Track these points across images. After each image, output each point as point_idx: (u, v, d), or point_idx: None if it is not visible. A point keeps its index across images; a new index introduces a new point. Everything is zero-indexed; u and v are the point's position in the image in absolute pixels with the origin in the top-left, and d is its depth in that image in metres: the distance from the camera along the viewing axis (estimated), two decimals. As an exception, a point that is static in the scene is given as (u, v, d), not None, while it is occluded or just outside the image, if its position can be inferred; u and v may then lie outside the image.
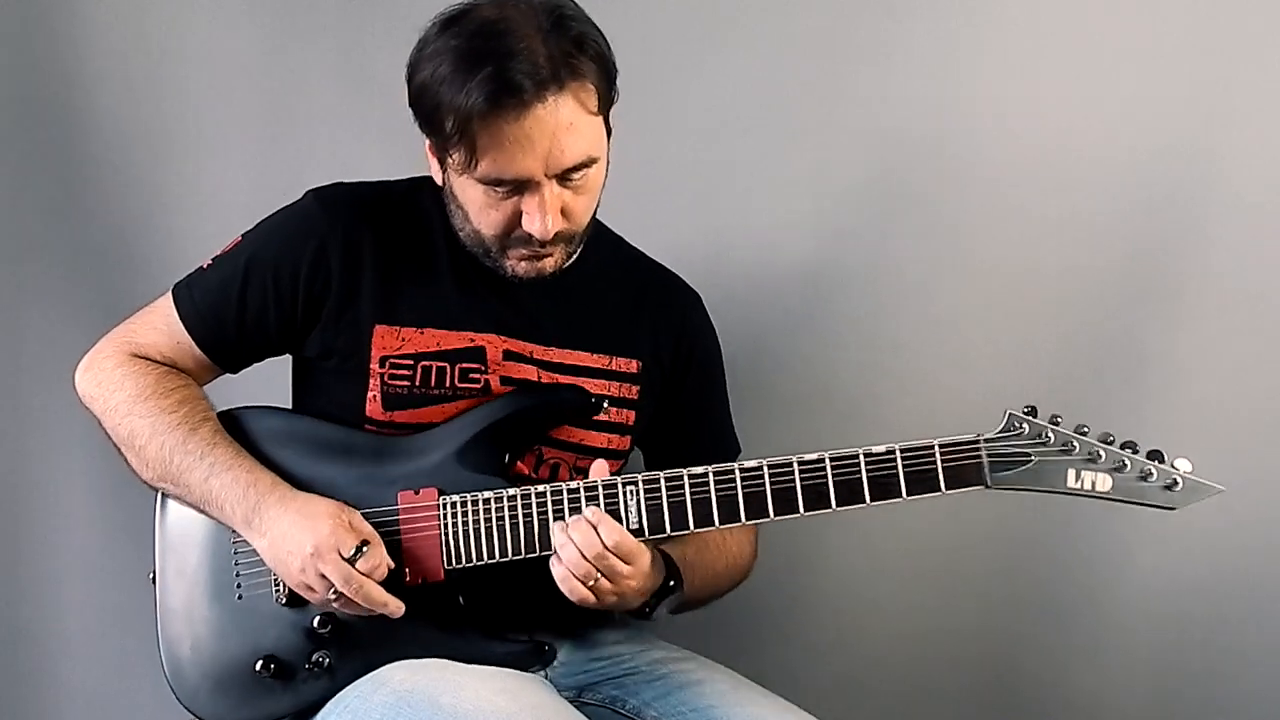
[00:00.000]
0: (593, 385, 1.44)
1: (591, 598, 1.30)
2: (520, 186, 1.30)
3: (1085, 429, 1.29)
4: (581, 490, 1.32)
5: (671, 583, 1.39)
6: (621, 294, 1.50)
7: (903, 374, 1.84)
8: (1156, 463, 1.27)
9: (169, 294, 1.44)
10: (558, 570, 1.30)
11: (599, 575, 1.28)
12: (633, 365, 1.47)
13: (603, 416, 1.44)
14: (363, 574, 1.28)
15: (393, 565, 1.31)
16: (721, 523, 1.31)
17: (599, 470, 1.33)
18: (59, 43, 1.94)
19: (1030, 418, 1.29)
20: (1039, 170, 1.79)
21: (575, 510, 1.32)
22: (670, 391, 1.52)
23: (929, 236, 1.82)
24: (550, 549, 1.31)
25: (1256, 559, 1.76)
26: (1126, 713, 1.83)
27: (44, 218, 1.97)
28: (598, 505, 1.31)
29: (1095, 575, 1.81)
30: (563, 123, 1.26)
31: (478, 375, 1.40)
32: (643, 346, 1.48)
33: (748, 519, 1.30)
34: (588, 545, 1.28)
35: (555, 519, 1.32)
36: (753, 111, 1.86)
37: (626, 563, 1.29)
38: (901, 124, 1.82)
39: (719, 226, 1.88)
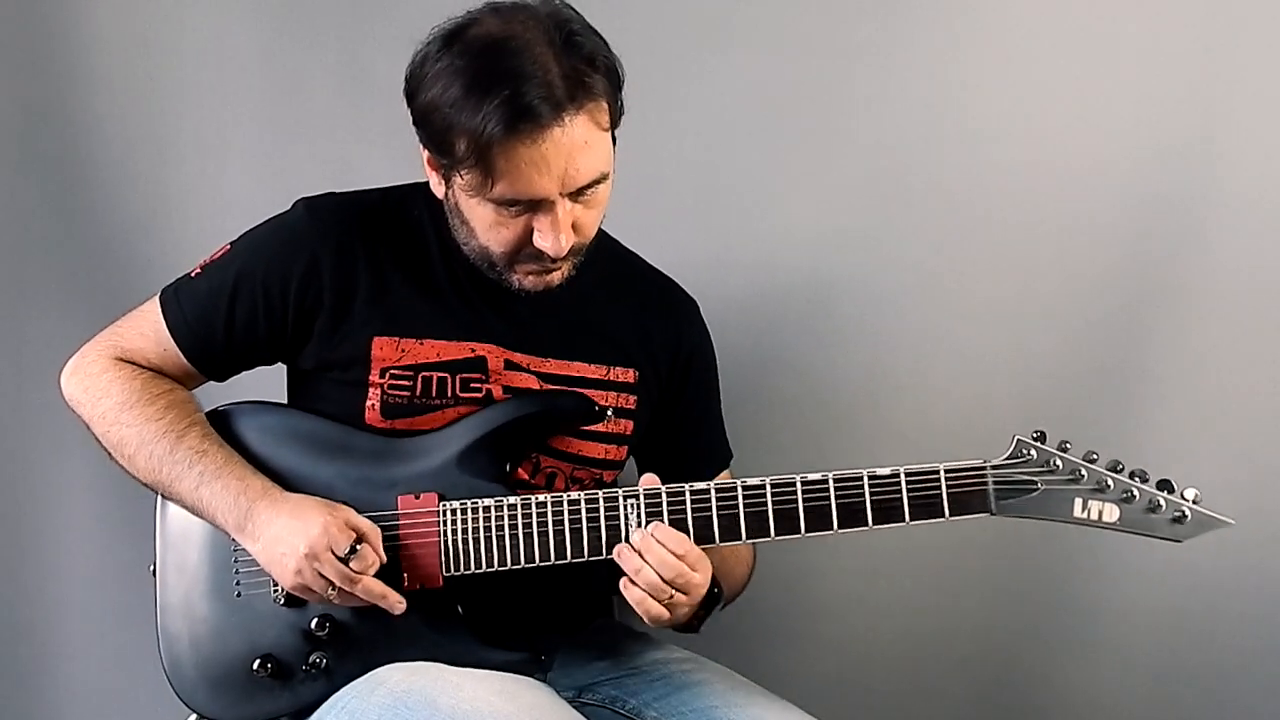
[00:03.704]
0: (590, 396, 1.42)
1: (667, 614, 1.29)
2: (533, 205, 1.28)
3: (1094, 456, 1.27)
4: (582, 500, 1.32)
5: (716, 590, 1.37)
6: (619, 303, 1.48)
7: (904, 378, 1.83)
8: (1165, 493, 1.26)
9: (156, 299, 1.42)
10: (634, 593, 1.28)
11: (673, 591, 1.27)
12: (630, 375, 1.46)
13: (601, 427, 1.43)
14: (358, 572, 1.27)
15: (384, 560, 1.30)
16: (721, 540, 1.30)
17: (649, 482, 1.32)
18: (59, 43, 1.92)
19: (1038, 444, 1.27)
20: (1040, 174, 1.77)
21: (575, 520, 1.31)
22: (667, 400, 1.51)
23: (928, 237, 1.81)
24: (549, 559, 1.31)
25: (1256, 558, 1.76)
26: (1126, 712, 1.84)
27: (45, 218, 1.96)
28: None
29: (1094, 575, 1.81)
30: (578, 142, 1.24)
31: (479, 385, 1.38)
32: (640, 356, 1.47)
33: (748, 537, 1.30)
34: (663, 565, 1.27)
35: (555, 529, 1.31)
36: (753, 116, 1.84)
37: (694, 570, 1.28)
38: (902, 129, 1.80)
39: (719, 231, 1.86)
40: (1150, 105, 1.73)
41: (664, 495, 1.31)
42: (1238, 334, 1.74)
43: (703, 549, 1.31)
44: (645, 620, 1.30)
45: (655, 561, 1.27)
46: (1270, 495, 1.73)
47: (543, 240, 1.29)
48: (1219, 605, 1.78)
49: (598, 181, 1.29)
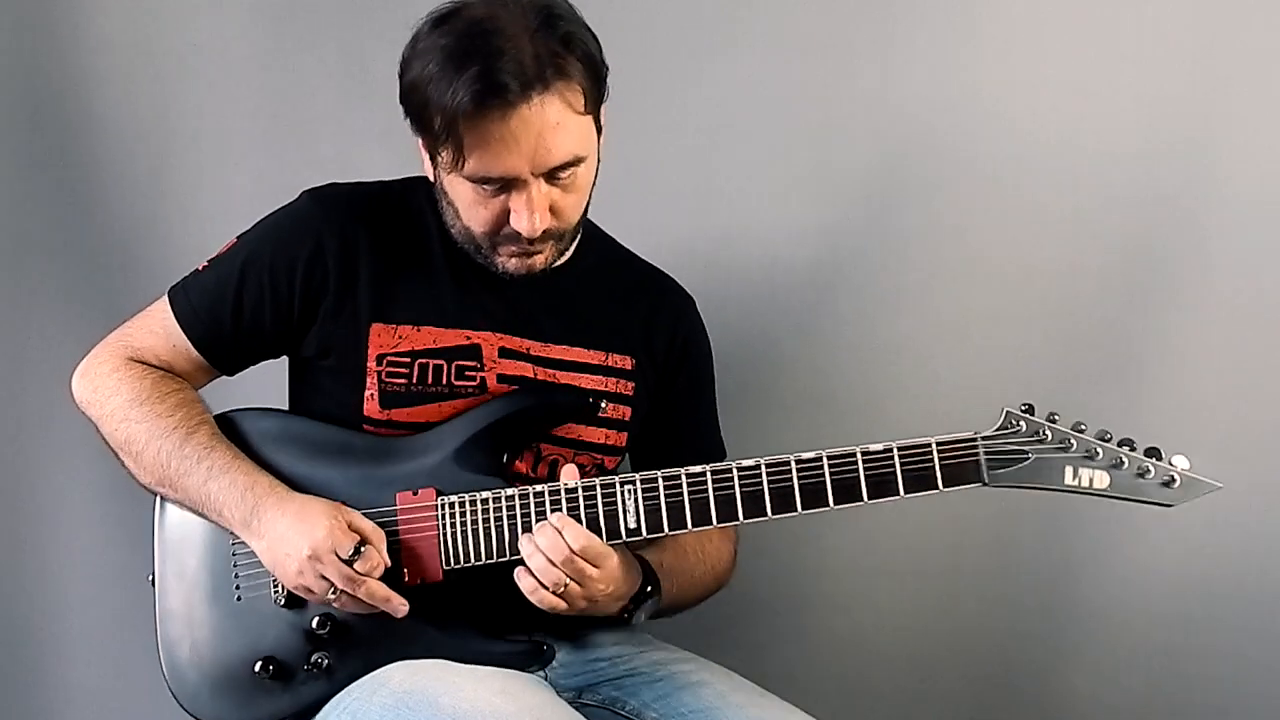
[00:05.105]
0: (589, 381, 1.45)
1: (562, 605, 1.30)
2: (508, 184, 1.30)
3: (1083, 426, 1.28)
4: (580, 490, 1.32)
5: (649, 588, 1.39)
6: (616, 291, 1.50)
7: (902, 372, 1.84)
8: (1154, 460, 1.27)
9: (165, 297, 1.44)
10: (526, 582, 1.30)
11: (568, 580, 1.29)
12: (627, 362, 1.48)
13: (600, 413, 1.44)
14: (362, 574, 1.28)
15: (389, 564, 1.31)
16: (719, 522, 1.31)
17: (569, 474, 1.33)
18: (60, 43, 1.94)
19: (1028, 415, 1.29)
20: (1039, 170, 1.79)
21: (573, 510, 1.32)
22: (661, 391, 1.52)
23: (928, 236, 1.82)
24: None
25: (1254, 557, 1.76)
26: (1124, 711, 1.83)
27: (47, 219, 1.97)
28: (578, 507, 1.32)
29: (1093, 574, 1.81)
30: (549, 122, 1.26)
31: (474, 373, 1.40)
32: (637, 343, 1.49)
33: (745, 518, 1.30)
34: (554, 550, 1.28)
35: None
36: (752, 112, 1.85)
37: (595, 566, 1.30)
38: (901, 124, 1.82)
39: (718, 226, 1.87)
40: (1150, 105, 1.74)
41: (660, 480, 1.32)
42: (1235, 332, 1.74)
43: (648, 544, 1.34)
44: (541, 609, 1.30)
45: (547, 547, 1.28)
46: (1268, 494, 1.73)
47: (517, 220, 1.31)
48: (1219, 606, 1.78)
49: (573, 164, 1.31)
